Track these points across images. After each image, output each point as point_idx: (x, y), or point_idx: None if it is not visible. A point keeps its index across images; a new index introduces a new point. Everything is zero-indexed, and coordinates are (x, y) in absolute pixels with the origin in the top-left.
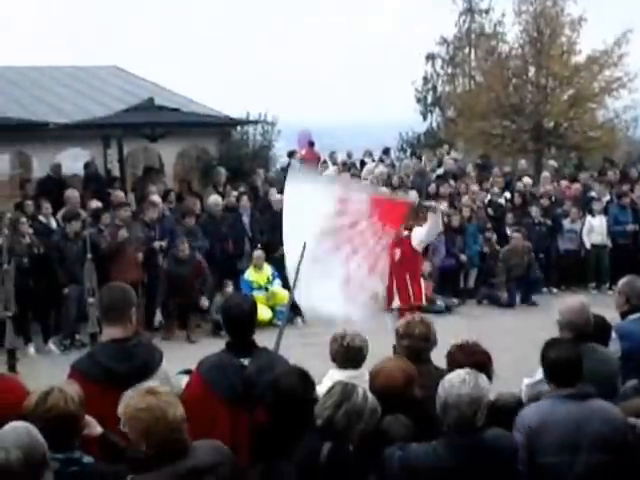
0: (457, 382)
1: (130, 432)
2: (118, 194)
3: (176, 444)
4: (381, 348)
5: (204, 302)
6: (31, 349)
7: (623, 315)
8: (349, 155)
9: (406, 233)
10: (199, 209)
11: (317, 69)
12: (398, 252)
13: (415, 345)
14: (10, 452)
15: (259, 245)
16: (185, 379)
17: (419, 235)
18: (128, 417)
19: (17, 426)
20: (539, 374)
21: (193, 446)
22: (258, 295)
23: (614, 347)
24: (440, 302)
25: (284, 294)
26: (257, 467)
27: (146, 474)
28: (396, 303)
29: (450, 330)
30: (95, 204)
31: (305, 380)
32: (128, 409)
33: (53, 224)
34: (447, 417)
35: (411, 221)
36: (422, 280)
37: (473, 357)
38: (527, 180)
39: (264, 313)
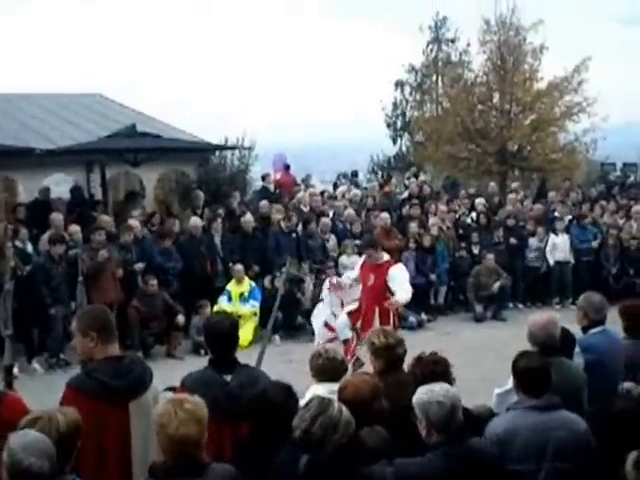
0: (436, 388)
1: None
2: (104, 218)
3: (193, 459)
4: None
5: (180, 319)
6: (15, 369)
7: (584, 330)
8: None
9: (386, 258)
10: (177, 230)
11: (292, 94)
12: (372, 277)
13: (389, 354)
14: (37, 461)
15: (231, 264)
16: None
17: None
18: (158, 425)
19: (43, 438)
20: (509, 384)
21: (211, 467)
22: (240, 307)
23: (578, 360)
24: (412, 318)
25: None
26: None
27: None
28: (358, 324)
29: (422, 345)
30: (74, 228)
31: (290, 394)
32: (158, 418)
33: (29, 248)
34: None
35: (384, 241)
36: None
37: (432, 366)
38: (480, 200)
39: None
